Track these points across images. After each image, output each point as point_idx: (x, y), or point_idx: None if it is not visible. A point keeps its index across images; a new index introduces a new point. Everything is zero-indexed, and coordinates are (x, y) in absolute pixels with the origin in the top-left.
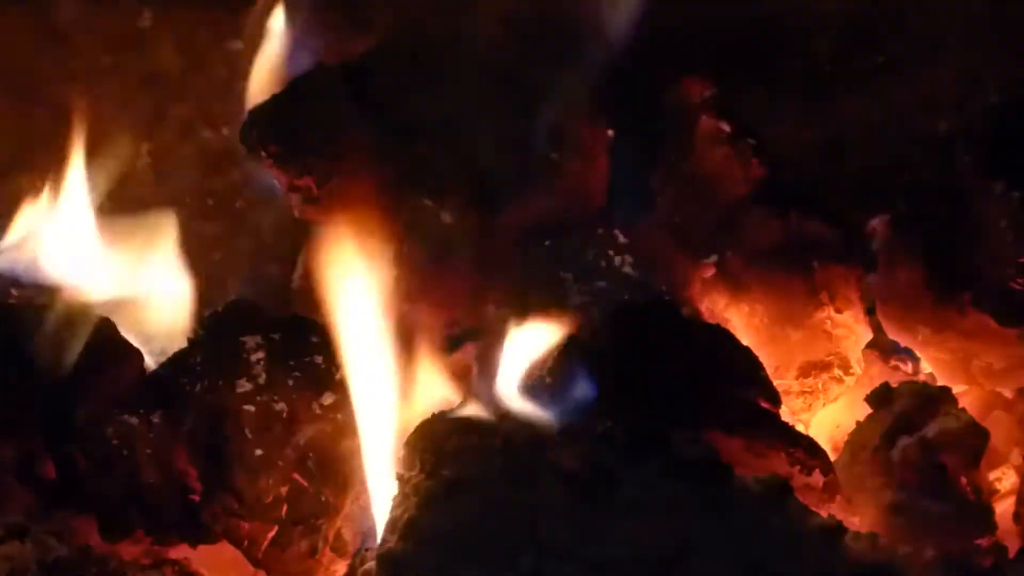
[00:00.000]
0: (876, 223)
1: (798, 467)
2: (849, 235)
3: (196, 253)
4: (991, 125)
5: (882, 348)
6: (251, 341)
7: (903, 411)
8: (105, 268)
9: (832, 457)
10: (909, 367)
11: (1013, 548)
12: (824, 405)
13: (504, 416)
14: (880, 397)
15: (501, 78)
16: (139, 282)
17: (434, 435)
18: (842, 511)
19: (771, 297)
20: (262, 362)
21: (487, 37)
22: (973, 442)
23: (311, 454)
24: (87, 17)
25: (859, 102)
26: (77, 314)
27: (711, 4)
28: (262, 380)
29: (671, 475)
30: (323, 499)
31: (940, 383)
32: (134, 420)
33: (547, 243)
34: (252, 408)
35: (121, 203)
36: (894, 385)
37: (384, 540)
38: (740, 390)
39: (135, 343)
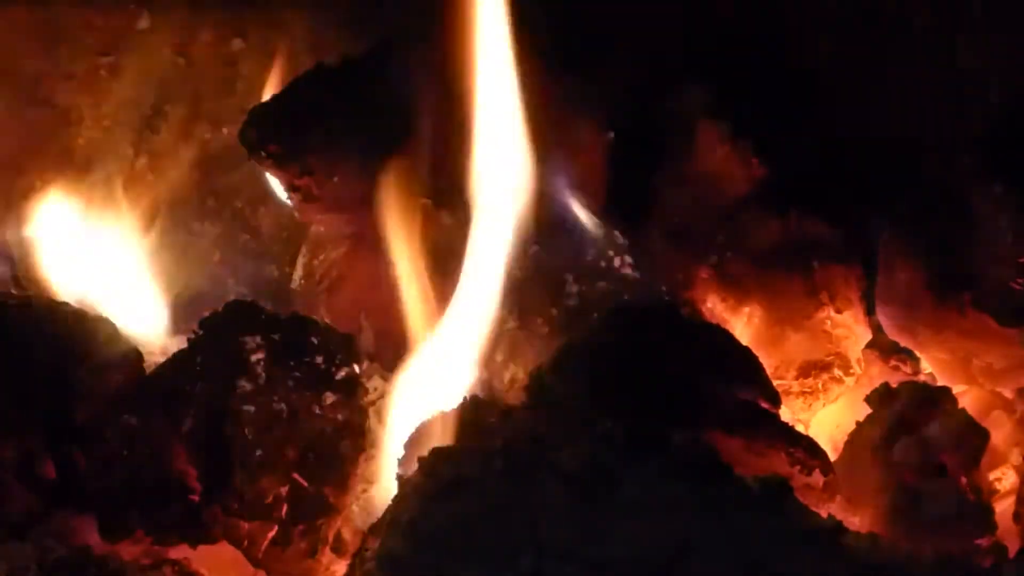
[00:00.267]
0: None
1: (798, 467)
2: (849, 235)
3: (196, 253)
4: (991, 125)
5: (882, 348)
6: (251, 341)
7: (903, 411)
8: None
9: (832, 457)
10: (909, 367)
11: (1013, 548)
12: (824, 405)
13: (504, 416)
14: (880, 397)
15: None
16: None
17: (434, 436)
18: (842, 511)
19: (771, 297)
20: (262, 362)
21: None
22: (973, 442)
23: (311, 454)
24: (87, 17)
25: (859, 102)
26: (77, 314)
27: (711, 4)
28: (262, 380)
29: (671, 475)
30: (323, 499)
31: (940, 383)
32: (134, 420)
33: (547, 243)
34: (252, 408)
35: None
36: (894, 385)
37: (384, 540)
38: (740, 390)
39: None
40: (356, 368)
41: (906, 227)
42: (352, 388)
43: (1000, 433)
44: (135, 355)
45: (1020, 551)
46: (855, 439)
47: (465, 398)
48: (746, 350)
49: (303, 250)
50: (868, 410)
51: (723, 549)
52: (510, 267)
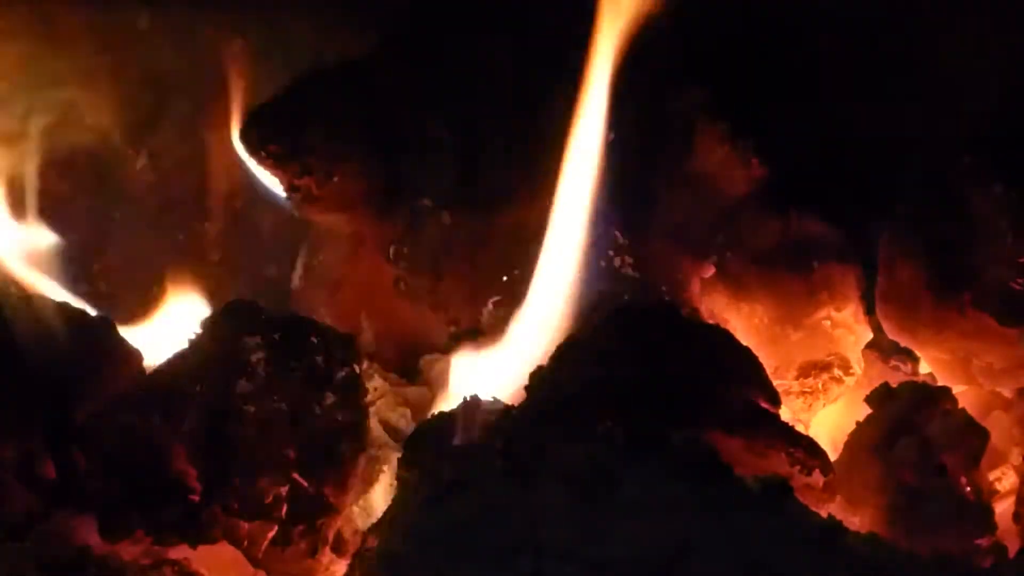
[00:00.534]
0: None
1: (798, 467)
2: (849, 235)
3: (196, 253)
4: (991, 125)
5: (882, 348)
6: (251, 341)
7: (903, 411)
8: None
9: (832, 457)
10: (909, 367)
11: (1013, 548)
12: (824, 405)
13: (504, 416)
14: (880, 397)
15: (501, 77)
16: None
17: (434, 435)
18: (842, 511)
19: (771, 297)
20: (262, 362)
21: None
22: (973, 442)
23: (311, 454)
24: (87, 17)
25: (859, 102)
26: (77, 314)
27: (711, 4)
28: (262, 380)
29: (671, 475)
30: (323, 499)
31: (940, 383)
32: (134, 420)
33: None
34: (252, 408)
35: (121, 203)
36: (894, 385)
37: (384, 540)
38: (740, 390)
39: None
40: (356, 368)
41: (906, 227)
42: (352, 388)
43: (1000, 433)
44: (135, 355)
45: (1020, 551)
46: (855, 439)
47: (465, 398)
48: (746, 350)
49: (303, 250)
50: (868, 410)
51: (723, 549)
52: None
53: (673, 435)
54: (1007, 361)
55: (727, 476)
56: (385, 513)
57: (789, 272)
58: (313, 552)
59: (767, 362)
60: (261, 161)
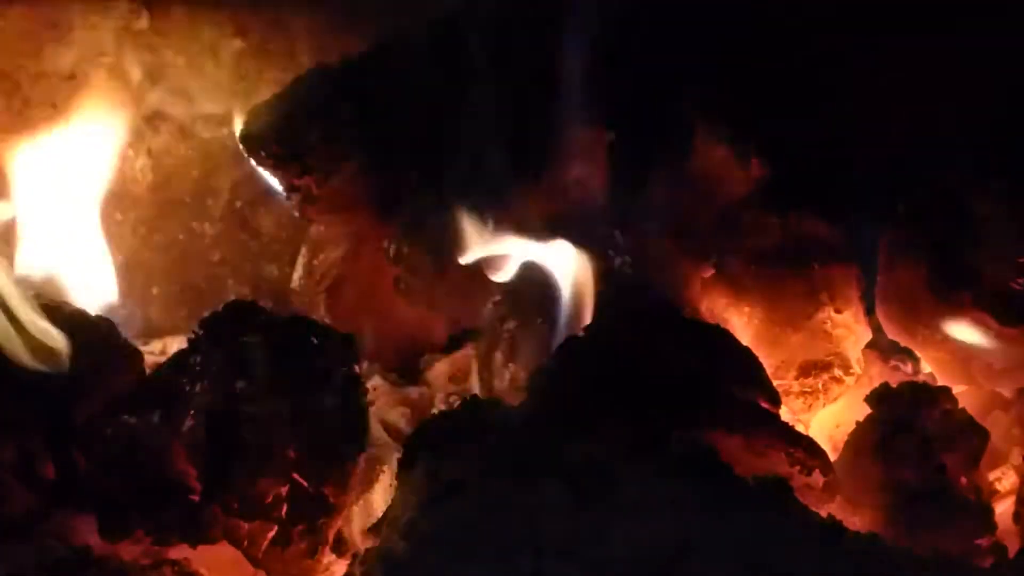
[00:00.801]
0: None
1: (798, 467)
2: (849, 235)
3: (196, 253)
4: (991, 125)
5: (882, 348)
6: (251, 341)
7: (903, 411)
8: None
9: (832, 457)
10: (909, 367)
11: (1013, 548)
12: (824, 405)
13: (504, 416)
14: (880, 397)
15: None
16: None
17: (434, 435)
18: (842, 511)
19: (771, 297)
20: (262, 362)
21: (487, 36)
22: (973, 442)
23: (311, 454)
24: (87, 17)
25: (858, 102)
26: (77, 314)
27: (711, 4)
28: (262, 380)
29: (671, 475)
30: (323, 499)
31: (940, 383)
32: (134, 420)
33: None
34: (252, 408)
35: (122, 203)
36: (894, 385)
37: (384, 540)
38: (740, 390)
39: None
40: (356, 368)
41: (906, 227)
42: (352, 388)
43: (1000, 433)
44: (135, 355)
45: (1020, 551)
46: (855, 439)
47: (465, 398)
48: (746, 350)
49: (303, 250)
50: (868, 410)
51: (723, 549)
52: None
53: (673, 435)
54: (1007, 361)
55: (727, 476)
56: (385, 513)
57: (789, 272)
58: (313, 552)
59: (767, 362)
60: (261, 161)
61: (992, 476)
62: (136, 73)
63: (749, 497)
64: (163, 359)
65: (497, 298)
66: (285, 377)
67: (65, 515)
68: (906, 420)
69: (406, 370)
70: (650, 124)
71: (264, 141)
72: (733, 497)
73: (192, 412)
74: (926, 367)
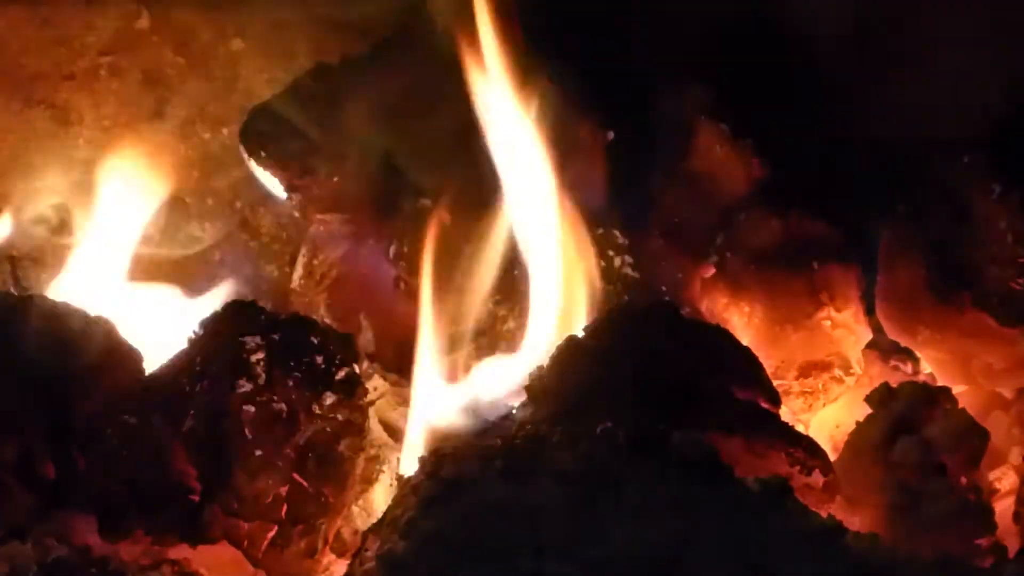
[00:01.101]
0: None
1: (798, 467)
2: (849, 235)
3: (196, 253)
4: (991, 125)
5: (882, 348)
6: (251, 341)
7: (903, 411)
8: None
9: (832, 457)
10: (909, 367)
11: (1013, 548)
12: (824, 405)
13: (504, 416)
14: (880, 397)
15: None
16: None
17: (434, 436)
18: (842, 511)
19: (771, 297)
20: (262, 362)
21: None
22: (973, 442)
23: (311, 454)
24: (87, 17)
25: (859, 103)
26: (77, 314)
27: (712, 4)
28: (262, 380)
29: (671, 475)
30: (323, 499)
31: (940, 383)
32: (134, 420)
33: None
34: (252, 408)
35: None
36: (894, 385)
37: (384, 540)
38: (740, 390)
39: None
40: (356, 368)
41: (906, 227)
42: (352, 388)
43: (1000, 433)
44: (135, 355)
45: (1020, 551)
46: (855, 439)
47: (465, 398)
48: (746, 350)
49: (303, 250)
50: (868, 410)
51: (723, 549)
52: (510, 267)
53: (673, 435)
54: (1007, 361)
55: (727, 476)
56: (385, 513)
57: (789, 272)
58: (313, 552)
59: (767, 362)
60: (261, 161)
61: (992, 476)
62: (136, 73)
63: (749, 497)
64: (163, 359)
65: (497, 298)
66: (285, 377)
67: (65, 515)
68: (906, 420)
69: (406, 370)
70: (650, 125)
71: (264, 141)
72: (733, 497)
73: (192, 412)
74: (926, 367)
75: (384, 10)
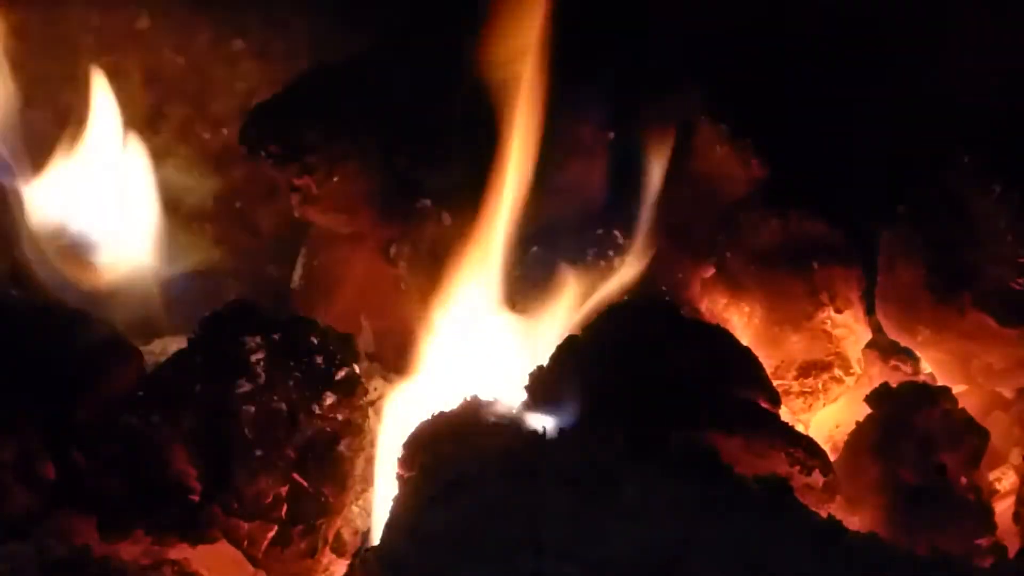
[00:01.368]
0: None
1: (798, 467)
2: (849, 235)
3: (196, 253)
4: (991, 126)
5: (882, 348)
6: (251, 341)
7: (903, 411)
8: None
9: (832, 457)
10: (909, 367)
11: (1013, 548)
12: (824, 405)
13: (504, 416)
14: (880, 397)
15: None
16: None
17: (434, 436)
18: (842, 511)
19: (771, 297)
20: (262, 362)
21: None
22: (973, 442)
23: (311, 454)
24: (87, 17)
25: (859, 103)
26: (77, 314)
27: (712, 4)
28: (262, 380)
29: (671, 475)
30: (323, 499)
31: (940, 383)
32: (134, 420)
33: (547, 243)
34: (252, 408)
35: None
36: (894, 385)
37: (384, 540)
38: (740, 390)
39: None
40: (356, 368)
41: (906, 227)
42: (352, 388)
43: (1000, 433)
44: (135, 355)
45: (1020, 551)
46: (855, 439)
47: (465, 398)
48: (746, 350)
49: (303, 250)
50: (868, 410)
51: (723, 549)
52: (510, 267)
53: (673, 435)
54: (1007, 361)
55: (727, 476)
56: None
57: (789, 272)
58: (312, 552)
59: (767, 362)
60: (261, 161)
61: (992, 476)
62: (136, 73)
63: (749, 497)
64: (163, 359)
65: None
66: (285, 377)
67: (65, 515)
68: (906, 420)
69: (406, 370)
70: (650, 124)
71: (264, 141)
72: (733, 497)
73: (192, 412)
74: (926, 367)
75: (386, 11)
